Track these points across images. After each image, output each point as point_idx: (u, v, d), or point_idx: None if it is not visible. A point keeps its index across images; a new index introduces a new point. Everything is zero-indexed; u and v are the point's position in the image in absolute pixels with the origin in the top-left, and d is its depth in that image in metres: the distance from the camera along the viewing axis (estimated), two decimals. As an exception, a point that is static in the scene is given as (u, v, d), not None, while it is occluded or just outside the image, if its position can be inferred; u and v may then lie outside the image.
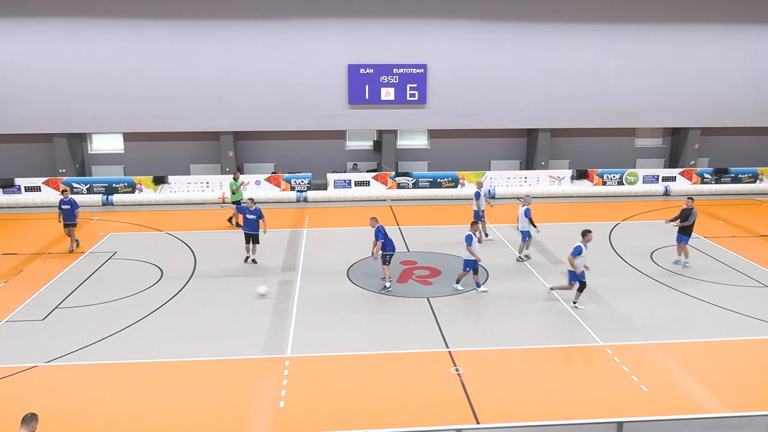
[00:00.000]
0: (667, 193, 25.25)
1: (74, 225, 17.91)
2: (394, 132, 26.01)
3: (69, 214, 17.79)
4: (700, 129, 26.40)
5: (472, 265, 14.55)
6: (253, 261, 16.94)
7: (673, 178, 25.89)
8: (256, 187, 24.42)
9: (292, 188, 24.53)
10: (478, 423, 9.33)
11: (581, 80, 24.87)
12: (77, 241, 18.14)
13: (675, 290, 14.92)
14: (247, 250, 16.94)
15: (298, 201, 24.06)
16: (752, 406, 9.55)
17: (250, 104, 24.05)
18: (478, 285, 14.84)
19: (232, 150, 25.17)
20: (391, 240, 14.99)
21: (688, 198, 16.89)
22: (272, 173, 25.33)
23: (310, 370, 11.12)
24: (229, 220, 20.80)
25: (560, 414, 9.48)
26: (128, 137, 25.79)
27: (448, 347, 11.97)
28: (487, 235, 18.79)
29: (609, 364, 11.40)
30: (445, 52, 24.29)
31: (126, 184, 24.14)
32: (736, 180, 26.11)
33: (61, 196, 18.02)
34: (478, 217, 18.41)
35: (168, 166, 25.43)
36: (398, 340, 12.28)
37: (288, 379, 10.77)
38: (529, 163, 26.88)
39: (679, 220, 16.48)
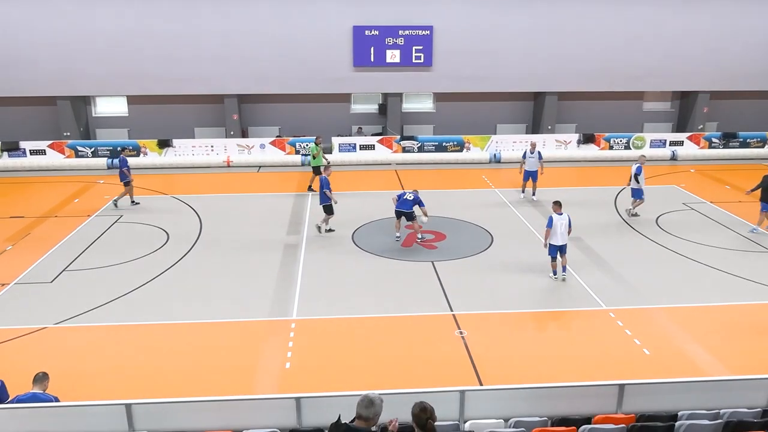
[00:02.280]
0: (674, 157, 25.06)
1: (123, 183, 18.38)
2: (400, 95, 25.78)
3: (119, 173, 18.39)
4: (710, 93, 26.06)
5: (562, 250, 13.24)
6: (328, 230, 16.35)
7: (681, 143, 25.66)
8: (261, 150, 24.34)
9: (297, 152, 24.45)
10: (481, 384, 9.46)
11: (589, 43, 24.51)
12: (115, 201, 18.55)
13: (679, 254, 14.93)
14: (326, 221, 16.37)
15: (302, 165, 23.99)
16: (753, 369, 9.63)
17: (255, 67, 23.83)
18: (564, 269, 13.49)
19: (237, 113, 25.03)
20: (404, 200, 15.39)
21: None
22: (277, 137, 25.22)
23: (315, 333, 11.25)
24: (310, 188, 20.12)
25: (562, 376, 9.60)
26: (132, 100, 25.65)
27: (452, 310, 12.07)
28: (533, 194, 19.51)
29: (612, 327, 11.49)
30: (452, 13, 23.92)
31: (131, 148, 24.10)
32: (744, 145, 25.86)
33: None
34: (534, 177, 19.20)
35: (172, 130, 25.33)
36: (403, 303, 12.38)
37: (294, 341, 10.90)
38: (535, 127, 26.65)
39: (760, 189, 16.28)
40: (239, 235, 16.24)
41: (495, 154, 24.63)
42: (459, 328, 11.37)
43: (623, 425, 6.68)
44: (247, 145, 24.37)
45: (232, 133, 25.11)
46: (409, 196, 15.29)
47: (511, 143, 25.15)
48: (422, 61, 24.26)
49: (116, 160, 18.55)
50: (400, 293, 12.87)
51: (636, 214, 17.68)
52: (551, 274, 13.46)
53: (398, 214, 15.47)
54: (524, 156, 19.27)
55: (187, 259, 14.68)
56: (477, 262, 14.46)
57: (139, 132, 25.53)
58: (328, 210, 16.17)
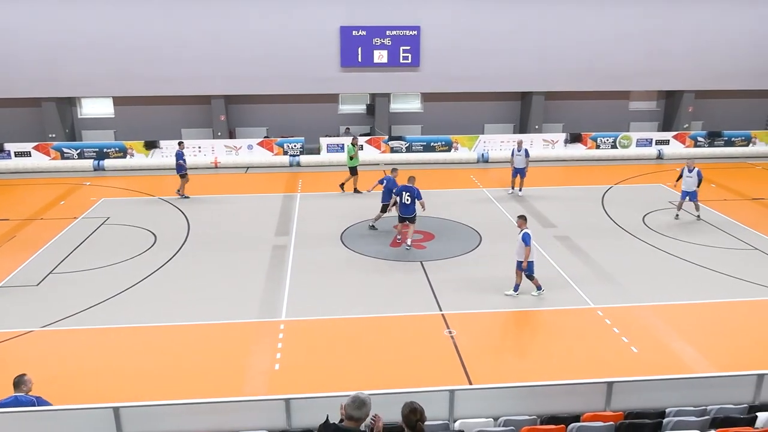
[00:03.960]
0: (660, 156, 25.25)
1: (179, 175, 19.29)
2: (387, 95, 25.79)
3: (176, 165, 19.32)
4: (695, 92, 26.28)
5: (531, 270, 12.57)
6: (371, 226, 16.59)
7: (667, 142, 25.86)
8: (249, 151, 24.26)
9: (285, 152, 24.39)
10: (470, 384, 9.48)
11: (576, 43, 24.65)
12: (178, 191, 19.56)
13: (666, 253, 15.04)
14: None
15: (291, 165, 23.95)
16: (739, 366, 9.72)
17: (242, 67, 23.75)
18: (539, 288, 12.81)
19: (224, 114, 24.93)
20: (403, 204, 15.04)
21: None
22: (264, 137, 25.15)
23: (304, 334, 11.23)
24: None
25: (551, 375, 9.64)
26: (118, 101, 25.48)
27: (441, 310, 12.09)
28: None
29: (600, 325, 11.56)
30: (439, 14, 23.98)
31: (117, 149, 23.94)
32: (729, 143, 26.11)
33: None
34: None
35: (159, 131, 25.18)
36: (392, 303, 12.38)
37: (283, 342, 10.88)
38: (522, 127, 26.76)
39: None
40: (227, 237, 16.18)
41: (483, 154, 24.70)
42: (448, 328, 11.39)
43: (612, 423, 6.72)
44: (235, 146, 24.29)
45: (219, 134, 25.02)
46: (407, 199, 14.84)
47: (499, 143, 25.23)
48: (410, 61, 24.28)
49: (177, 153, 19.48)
50: (389, 293, 12.87)
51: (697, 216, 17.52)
52: (536, 292, 12.65)
53: (401, 219, 15.22)
54: (512, 154, 19.47)
55: (174, 261, 14.61)
56: (466, 262, 14.49)
57: (125, 133, 25.36)
58: (384, 208, 16.23)
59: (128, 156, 23.96)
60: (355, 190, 20.08)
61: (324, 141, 24.71)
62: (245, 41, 23.50)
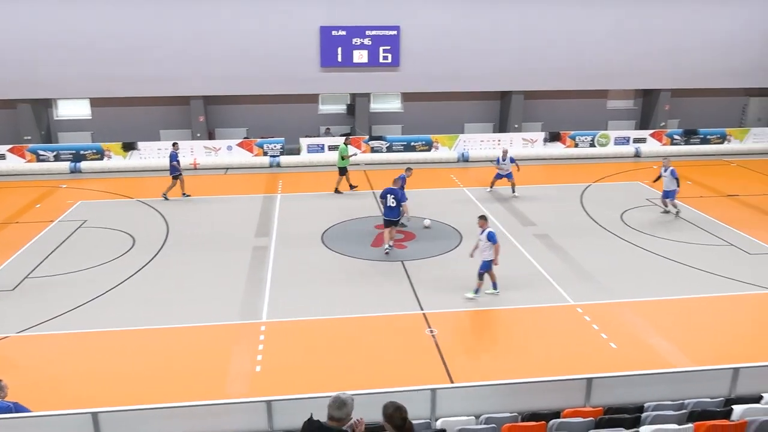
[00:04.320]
0: (638, 154, 25.53)
1: (172, 177, 19.32)
2: (368, 95, 25.78)
3: (170, 166, 19.32)
4: (671, 91, 26.61)
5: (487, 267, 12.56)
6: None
7: (644, 140, 26.16)
8: (228, 152, 24.11)
9: (265, 153, 24.28)
10: (452, 382, 9.52)
11: (555, 42, 24.84)
12: (180, 191, 19.61)
13: (644, 250, 15.22)
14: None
15: (271, 166, 23.84)
16: (716, 360, 9.88)
17: (221, 68, 23.60)
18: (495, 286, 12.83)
19: (203, 115, 24.75)
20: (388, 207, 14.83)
21: None
22: (244, 138, 25.01)
23: (285, 335, 11.19)
24: (337, 189, 20.08)
25: (532, 371, 9.70)
26: (95, 102, 25.17)
27: (422, 309, 12.12)
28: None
29: (579, 322, 11.67)
30: (419, 14, 24.04)
31: (94, 151, 23.65)
32: (704, 141, 26.47)
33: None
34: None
35: (137, 132, 24.92)
36: (373, 303, 12.39)
37: (264, 344, 10.83)
38: (502, 126, 26.90)
39: None
40: (207, 238, 16.07)
41: (463, 153, 24.79)
42: (429, 327, 11.43)
43: (591, 418, 6.78)
44: (214, 147, 24.13)
45: (198, 135, 24.83)
46: (391, 201, 14.65)
47: (479, 142, 25.35)
48: (390, 61, 24.30)
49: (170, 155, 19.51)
50: (370, 293, 12.88)
51: (666, 212, 17.85)
52: (492, 291, 12.67)
53: (387, 223, 14.95)
54: (497, 162, 19.59)
55: (153, 264, 14.47)
56: (446, 261, 14.54)
57: (102, 135, 25.05)
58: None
59: (105, 158, 23.69)
60: (336, 191, 20.06)
61: (304, 141, 24.64)
62: (224, 41, 23.36)
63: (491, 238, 12.21)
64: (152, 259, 14.73)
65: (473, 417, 7.17)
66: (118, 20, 22.64)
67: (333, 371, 10.01)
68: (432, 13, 24.09)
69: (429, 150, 25.10)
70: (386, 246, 14.95)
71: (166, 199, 19.30)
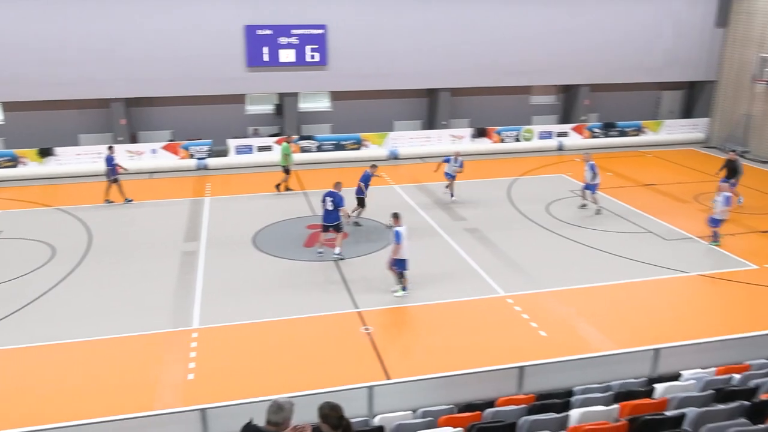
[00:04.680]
0: (561, 148, 26.40)
1: (110, 181, 18.82)
2: (296, 95, 25.56)
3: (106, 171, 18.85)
4: (590, 86, 27.63)
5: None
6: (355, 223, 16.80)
7: (566, 134, 27.06)
8: (153, 156, 23.39)
9: (192, 156, 23.69)
10: (389, 378, 9.58)
11: (480, 40, 25.34)
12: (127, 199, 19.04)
13: (570, 240, 15.77)
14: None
15: (198, 169, 23.28)
16: (639, 342, 10.33)
17: (143, 69, 22.84)
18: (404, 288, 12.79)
19: (125, 118, 23.90)
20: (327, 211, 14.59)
21: (731, 151, 19.53)
22: (169, 141, 24.31)
23: (219, 341, 10.98)
24: (278, 186, 20.11)
25: (467, 363, 9.85)
26: (8, 107, 23.85)
27: (357, 307, 12.14)
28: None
29: (510, 313, 11.98)
30: (346, 12, 24.03)
31: (8, 158, 22.44)
32: (622, 133, 27.64)
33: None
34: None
35: (54, 137, 23.80)
36: (308, 303, 12.31)
37: (197, 350, 10.59)
38: (430, 123, 27.24)
39: (724, 171, 18.44)
40: (132, 246, 15.53)
41: (393, 151, 24.96)
42: (365, 325, 11.47)
43: (524, 405, 6.99)
44: (138, 150, 23.36)
45: (120, 138, 23.96)
46: (329, 205, 14.35)
47: (408, 139, 25.58)
48: (317, 60, 24.18)
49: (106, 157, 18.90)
50: (305, 294, 12.79)
51: (584, 206, 18.16)
52: (401, 293, 12.60)
53: (324, 228, 14.65)
54: (446, 160, 19.06)
55: (76, 274, 13.88)
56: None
57: (16, 141, 23.78)
58: (361, 202, 16.71)
59: (20, 165, 22.52)
60: (282, 188, 20.04)
61: (232, 143, 24.19)
62: (146, 42, 22.61)
63: (395, 236, 12.17)
64: (74, 269, 14.13)
65: (411, 411, 7.26)
66: (31, 19, 21.54)
67: (270, 375, 9.89)
68: (359, 12, 24.13)
69: (359, 148, 25.14)
70: (335, 252, 14.56)
71: (109, 202, 18.84)
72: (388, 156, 24.84)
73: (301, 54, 24.00)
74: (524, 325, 11.50)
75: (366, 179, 16.90)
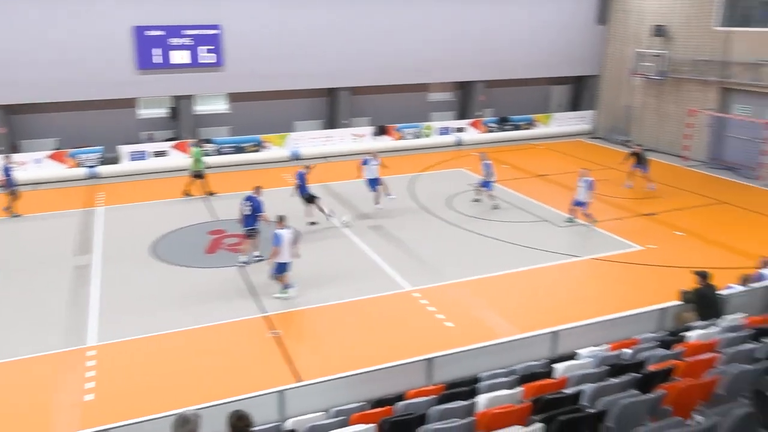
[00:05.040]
0: (459, 143, 27.13)
1: (7, 193, 17.70)
2: (191, 97, 24.79)
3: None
4: (484, 82, 28.57)
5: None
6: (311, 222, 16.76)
7: (464, 129, 27.86)
8: (37, 166, 21.96)
9: (81, 164, 22.45)
10: (300, 381, 9.50)
11: (378, 39, 25.60)
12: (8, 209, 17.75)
13: (472, 232, 16.24)
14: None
15: (89, 178, 22.10)
16: (539, 325, 10.79)
17: (24, 73, 21.33)
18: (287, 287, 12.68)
19: (3, 126, 22.29)
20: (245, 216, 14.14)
21: (637, 145, 21.17)
22: (55, 149, 22.91)
23: (121, 357, 10.48)
24: (210, 192, 19.64)
25: (377, 360, 9.93)
26: None
27: (264, 312, 11.95)
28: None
29: (417, 306, 12.19)
30: (240, 12, 23.56)
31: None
32: (516, 127, 28.80)
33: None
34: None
35: None
36: (212, 311, 11.99)
37: (96, 369, 10.06)
38: (331, 123, 27.22)
39: (632, 159, 20.19)
40: (17, 263, 14.51)
41: (294, 152, 24.76)
42: (273, 329, 11.31)
43: (434, 396, 7.12)
44: (20, 161, 21.85)
45: (0, 149, 22.33)
46: (247, 209, 13.92)
47: (310, 139, 25.47)
48: (213, 61, 23.57)
49: None
50: (208, 302, 12.44)
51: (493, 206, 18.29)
52: (281, 293, 12.45)
53: (248, 234, 14.13)
54: (365, 163, 18.08)
55: (-45, 296, 12.81)
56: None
57: None
58: (311, 199, 16.73)
59: None
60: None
61: (124, 149, 23.13)
62: (27, 44, 21.17)
63: (274, 239, 11.97)
64: (-47, 291, 13.04)
65: (323, 412, 7.23)
66: None
67: (176, 388, 9.55)
68: (253, 11, 23.72)
69: (259, 150, 24.75)
70: (250, 257, 14.24)
71: (16, 215, 17.69)
72: (290, 157, 24.61)
73: (195, 55, 23.31)
74: (431, 317, 11.74)
75: (301, 178, 16.75)
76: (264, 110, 26.27)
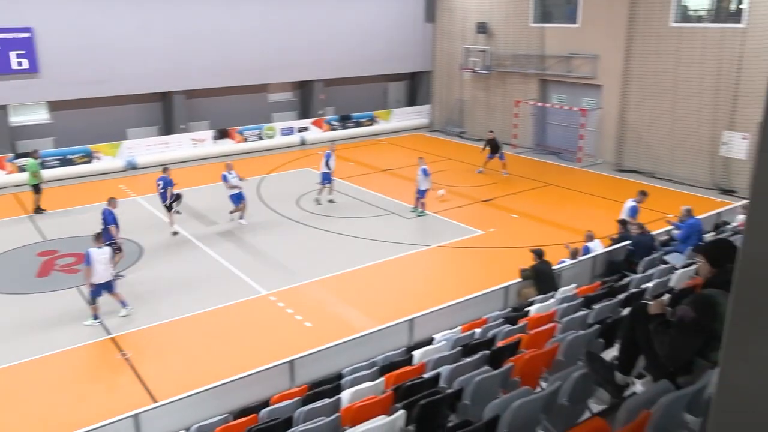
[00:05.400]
0: (303, 142, 27.10)
1: None
2: (4, 107, 22.44)
3: None
4: (324, 81, 28.76)
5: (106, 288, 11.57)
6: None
7: (307, 128, 27.87)
8: None
9: None
10: (155, 402, 9.01)
11: (207, 40, 24.77)
12: None
13: (323, 230, 16.33)
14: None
15: None
16: (396, 316, 11.11)
17: None
18: (124, 304, 11.89)
19: None
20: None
21: (490, 131, 22.24)
22: None
23: (-61, 402, 9.29)
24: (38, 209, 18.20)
25: (240, 369, 9.70)
26: None
27: (109, 333, 11.18)
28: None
29: (274, 310, 12.05)
30: (55, 14, 21.68)
31: None
32: (358, 124, 29.34)
33: None
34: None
35: None
36: (51, 339, 11.00)
37: None
38: (168, 128, 25.97)
39: (488, 149, 21.41)
40: None
41: (130, 161, 23.34)
42: (121, 351, 10.62)
43: (298, 398, 7.09)
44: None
45: None
46: (102, 223, 13.21)
47: (145, 147, 24.12)
48: (26, 67, 21.48)
49: None
50: (46, 329, 11.40)
51: (320, 202, 18.44)
52: (90, 321, 11.45)
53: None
54: (225, 179, 16.80)
55: None
56: (128, 278, 13.60)
57: None
58: (170, 207, 16.02)
59: None
60: (38, 209, 18.15)
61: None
62: None
63: (85, 258, 11.20)
64: None
65: (183, 431, 6.94)
66: None
67: (21, 425, 8.65)
68: (70, 14, 21.93)
69: (90, 161, 23.02)
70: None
71: None
72: (126, 167, 23.17)
73: (5, 61, 21.14)
74: (289, 319, 11.65)
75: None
76: (92, 118, 24.42)
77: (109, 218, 13.22)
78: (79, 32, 22.23)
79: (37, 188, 18.20)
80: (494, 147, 21.43)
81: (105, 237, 12.75)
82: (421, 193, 17.20)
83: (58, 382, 9.78)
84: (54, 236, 16.17)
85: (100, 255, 11.22)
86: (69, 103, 23.52)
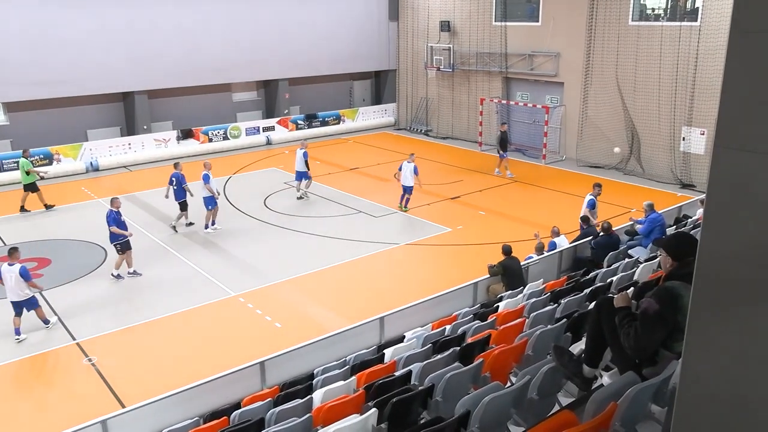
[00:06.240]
0: (269, 142, 26.91)
1: None
2: (-43, 109, 21.82)
3: None
4: (288, 80, 28.58)
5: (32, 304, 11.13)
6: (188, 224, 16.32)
7: (273, 128, 27.68)
8: None
9: None
10: (124, 407, 8.88)
11: (168, 39, 24.42)
12: None
13: (291, 230, 16.26)
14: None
15: None
16: (366, 314, 11.14)
17: None
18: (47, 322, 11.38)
19: None
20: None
21: (503, 123, 22.20)
22: None
23: None
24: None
25: (210, 371, 9.62)
26: None
27: (74, 339, 10.97)
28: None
29: (244, 311, 11.96)
30: (8, 11, 21.10)
31: None
32: (324, 123, 29.25)
33: None
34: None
35: None
36: (14, 347, 10.74)
37: None
38: (130, 129, 25.52)
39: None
40: None
41: (92, 162, 22.88)
42: (87, 356, 10.43)
43: (270, 399, 7.06)
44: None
45: None
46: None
47: (107, 148, 23.67)
48: (-23, 67, 20.90)
49: None
50: (6, 336, 11.12)
51: (304, 196, 18.73)
52: (22, 336, 10.96)
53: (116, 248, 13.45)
54: (206, 179, 15.89)
55: None
56: (92, 282, 13.35)
57: None
58: (183, 206, 16.03)
59: None
60: (22, 209, 18.05)
61: None
62: None
63: (22, 272, 10.76)
64: None
65: (153, 436, 6.86)
66: None
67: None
68: (21, 12, 21.38)
69: (50, 164, 22.48)
70: (123, 272, 13.50)
71: None
72: (87, 168, 22.71)
73: (-45, 61, 20.52)
74: (259, 320, 11.59)
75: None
76: (51, 119, 23.86)
77: (109, 219, 13.19)
78: (36, 31, 21.70)
79: (33, 186, 18.07)
80: (504, 144, 21.19)
81: (110, 238, 13.30)
82: (408, 190, 17.36)
83: (19, 392, 9.56)
84: (12, 240, 15.75)
85: (9, 273, 10.71)
86: (27, 104, 22.94)
